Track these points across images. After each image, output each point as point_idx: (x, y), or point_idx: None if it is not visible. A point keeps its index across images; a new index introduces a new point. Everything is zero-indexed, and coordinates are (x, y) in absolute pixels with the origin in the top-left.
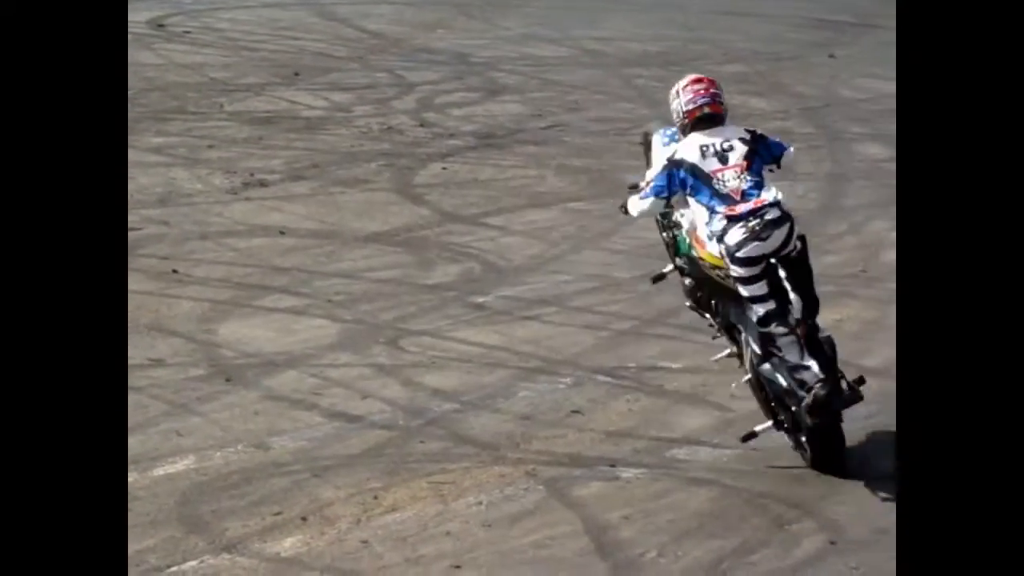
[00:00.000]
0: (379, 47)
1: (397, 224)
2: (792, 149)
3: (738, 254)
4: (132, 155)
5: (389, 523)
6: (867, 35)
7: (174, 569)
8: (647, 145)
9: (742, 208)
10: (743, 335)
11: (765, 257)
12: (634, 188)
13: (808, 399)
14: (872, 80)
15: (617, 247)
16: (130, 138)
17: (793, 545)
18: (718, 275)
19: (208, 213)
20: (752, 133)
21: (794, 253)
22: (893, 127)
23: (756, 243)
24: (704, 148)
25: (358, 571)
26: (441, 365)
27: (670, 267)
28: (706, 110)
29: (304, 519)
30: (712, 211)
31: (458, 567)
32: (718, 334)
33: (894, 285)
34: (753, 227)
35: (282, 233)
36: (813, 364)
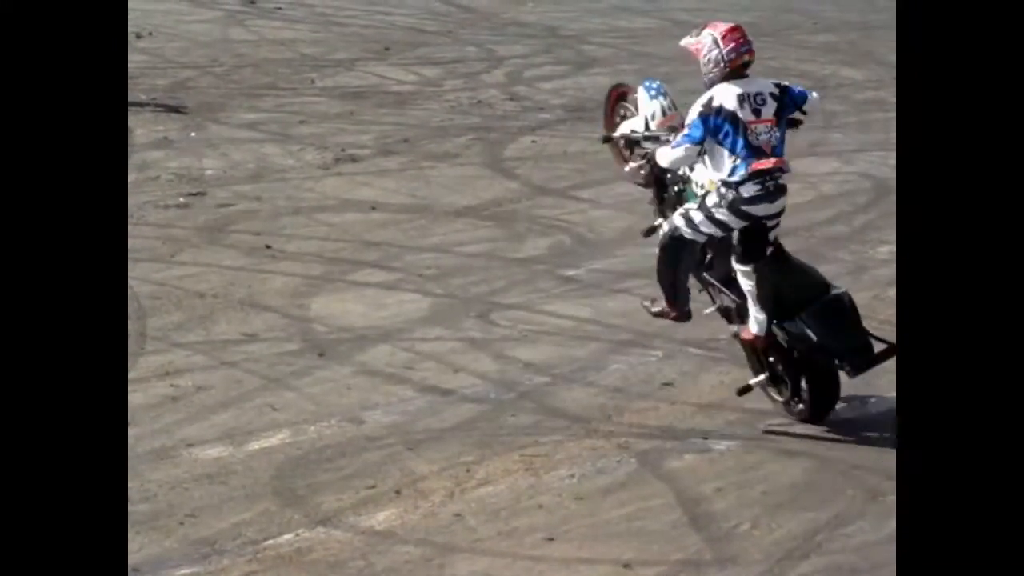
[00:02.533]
0: (469, 21)
1: (487, 198)
2: (815, 95)
3: (743, 207)
4: (225, 131)
5: (482, 496)
6: None
7: (270, 542)
8: (615, 99)
9: (767, 164)
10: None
11: (760, 220)
12: (607, 140)
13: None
14: None
15: None
16: (222, 114)
17: (888, 516)
18: None
19: (300, 188)
20: (779, 87)
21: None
22: None
23: (764, 204)
24: (741, 97)
25: (452, 544)
26: (532, 338)
27: (659, 220)
28: (746, 58)
29: (398, 492)
30: (743, 160)
31: (551, 540)
32: (705, 291)
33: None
34: (768, 187)
35: (373, 208)
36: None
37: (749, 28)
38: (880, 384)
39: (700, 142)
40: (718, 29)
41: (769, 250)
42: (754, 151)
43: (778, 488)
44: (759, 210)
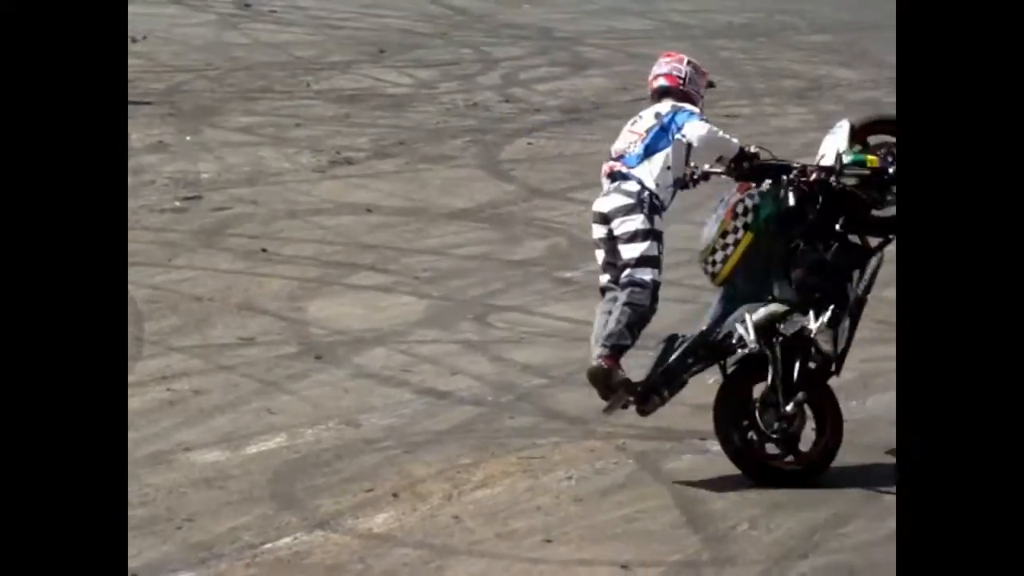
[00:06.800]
0: (463, 23)
1: (483, 200)
2: (701, 129)
3: (593, 207)
4: (220, 135)
5: (480, 498)
6: None
7: (268, 546)
8: None
9: (607, 167)
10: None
11: (603, 219)
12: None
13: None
14: None
15: (704, 220)
16: (218, 118)
17: (886, 515)
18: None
19: (296, 192)
20: (672, 108)
21: (624, 239)
22: None
23: (602, 199)
24: (638, 117)
25: (450, 546)
26: (529, 340)
27: None
28: (660, 82)
29: (396, 495)
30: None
31: (549, 541)
32: None
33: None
34: (609, 187)
35: (369, 211)
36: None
37: (743, 30)
38: (877, 384)
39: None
40: (690, 60)
41: (622, 262)
42: (611, 154)
43: (776, 488)
44: (597, 205)
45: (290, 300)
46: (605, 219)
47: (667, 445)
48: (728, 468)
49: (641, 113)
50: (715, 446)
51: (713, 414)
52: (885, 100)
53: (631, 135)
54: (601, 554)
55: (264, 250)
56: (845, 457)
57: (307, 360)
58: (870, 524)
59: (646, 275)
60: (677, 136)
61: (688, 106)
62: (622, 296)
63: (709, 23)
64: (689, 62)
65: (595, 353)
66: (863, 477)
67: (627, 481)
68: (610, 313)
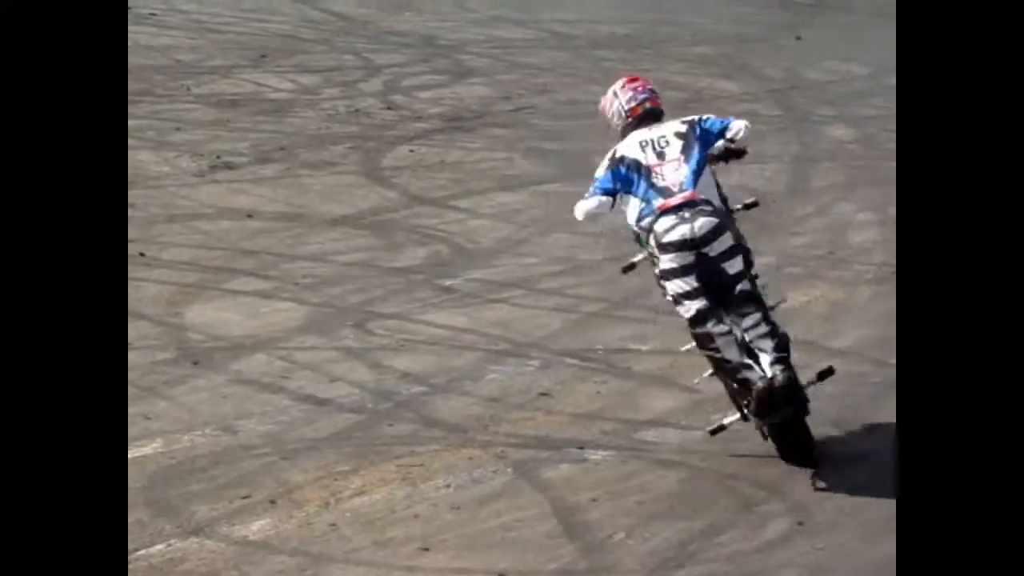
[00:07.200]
0: (345, 29)
1: (364, 207)
2: (739, 121)
3: (664, 239)
4: None
5: (357, 506)
6: (833, 17)
7: (141, 552)
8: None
9: (675, 200)
10: None
11: (692, 244)
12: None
13: (752, 400)
14: (838, 62)
15: (586, 230)
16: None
17: (760, 526)
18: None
19: (175, 196)
20: (688, 123)
21: (726, 265)
22: (859, 109)
23: (682, 226)
24: (644, 143)
25: (326, 554)
26: (409, 348)
27: (641, 255)
28: (647, 105)
29: (272, 502)
30: (648, 203)
31: (426, 549)
32: None
33: (861, 267)
34: (682, 214)
35: (249, 216)
36: (755, 364)
37: (625, 40)
38: None
39: (611, 193)
40: (615, 85)
41: (738, 289)
42: (660, 192)
43: (653, 498)
44: (677, 233)
45: (168, 305)
46: (695, 244)
47: (545, 454)
48: (606, 477)
49: (648, 139)
50: (594, 455)
51: None
52: (764, 113)
53: (671, 164)
54: (478, 562)
55: (142, 254)
56: (721, 467)
57: (184, 366)
58: (745, 534)
59: (748, 284)
60: (719, 144)
61: (697, 116)
62: (754, 311)
63: (592, 33)
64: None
65: (772, 372)
66: (738, 488)
67: (505, 490)
68: (731, 333)
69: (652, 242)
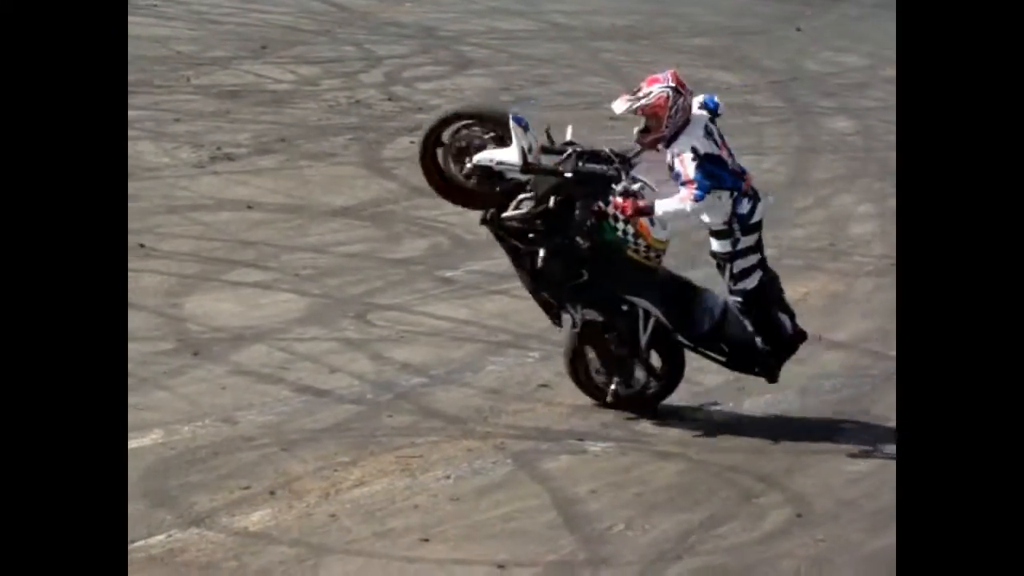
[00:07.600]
0: (346, 20)
1: (365, 198)
2: (716, 99)
3: (751, 220)
4: None
5: (357, 497)
6: (833, 9)
7: (140, 543)
8: (488, 120)
9: (751, 179)
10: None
11: (760, 224)
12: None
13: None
14: (838, 54)
15: None
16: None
17: (760, 518)
18: (648, 255)
19: (175, 187)
20: (705, 107)
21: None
22: (860, 101)
23: (759, 207)
24: (709, 136)
25: (326, 545)
26: (409, 339)
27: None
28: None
29: (272, 493)
30: (736, 191)
31: (426, 540)
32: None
33: (861, 258)
34: (754, 194)
35: (249, 207)
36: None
37: (625, 31)
38: (755, 387)
39: (713, 190)
40: (669, 79)
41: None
42: (738, 176)
43: (652, 489)
44: (758, 215)
45: (168, 296)
46: (760, 226)
47: (545, 445)
48: (605, 469)
49: (712, 129)
50: (593, 446)
51: None
52: (765, 104)
53: (726, 150)
54: (478, 553)
55: (142, 245)
56: (721, 459)
57: (184, 356)
58: (744, 526)
59: None
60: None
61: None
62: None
63: (592, 25)
64: None
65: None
66: (737, 479)
67: (505, 481)
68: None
69: (735, 223)
